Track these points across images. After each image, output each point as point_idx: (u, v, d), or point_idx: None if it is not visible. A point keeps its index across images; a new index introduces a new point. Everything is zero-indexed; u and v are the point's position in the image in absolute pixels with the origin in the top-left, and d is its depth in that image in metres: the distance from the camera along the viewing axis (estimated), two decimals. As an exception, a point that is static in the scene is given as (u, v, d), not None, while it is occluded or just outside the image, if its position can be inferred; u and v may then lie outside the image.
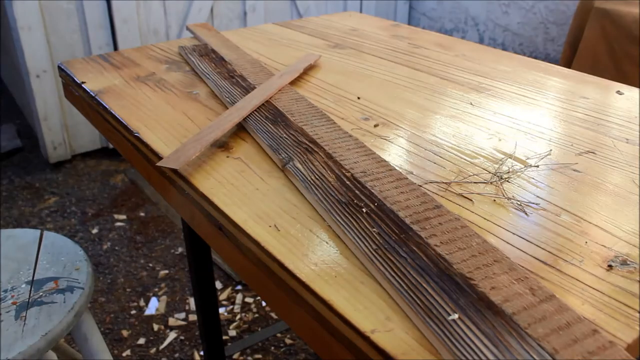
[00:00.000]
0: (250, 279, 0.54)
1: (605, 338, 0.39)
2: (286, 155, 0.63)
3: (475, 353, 0.37)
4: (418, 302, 0.42)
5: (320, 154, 0.62)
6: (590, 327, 0.39)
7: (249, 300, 1.67)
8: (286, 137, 0.67)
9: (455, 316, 0.40)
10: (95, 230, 1.99)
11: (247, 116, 0.72)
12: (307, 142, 0.65)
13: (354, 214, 0.52)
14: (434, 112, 0.78)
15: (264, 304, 1.65)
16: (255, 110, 0.74)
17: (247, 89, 0.81)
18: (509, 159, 0.65)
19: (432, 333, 0.39)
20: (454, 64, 0.99)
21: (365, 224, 0.50)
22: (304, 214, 0.54)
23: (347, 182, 0.57)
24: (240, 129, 0.72)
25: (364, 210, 0.52)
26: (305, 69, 0.92)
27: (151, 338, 1.53)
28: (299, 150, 0.63)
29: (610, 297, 0.44)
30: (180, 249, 1.88)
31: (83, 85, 0.87)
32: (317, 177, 0.58)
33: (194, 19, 2.47)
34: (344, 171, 0.59)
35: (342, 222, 0.51)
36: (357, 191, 0.55)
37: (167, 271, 1.78)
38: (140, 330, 1.56)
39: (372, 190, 0.55)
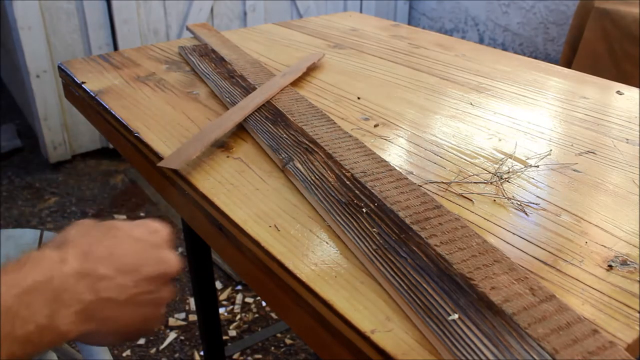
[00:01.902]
0: (250, 279, 0.54)
1: (605, 338, 0.39)
2: (286, 155, 0.63)
3: (475, 353, 0.37)
4: (418, 302, 0.42)
5: (320, 154, 0.62)
6: (590, 327, 0.39)
7: (249, 300, 1.67)
8: (286, 137, 0.67)
9: (455, 316, 0.40)
10: (95, 230, 1.98)
11: (248, 116, 0.72)
12: (307, 142, 0.65)
13: (354, 214, 0.52)
14: (434, 112, 0.78)
15: (264, 304, 1.65)
16: (255, 110, 0.74)
17: (247, 89, 0.81)
18: (509, 159, 0.65)
19: (432, 333, 0.39)
20: (454, 64, 0.99)
21: (365, 224, 0.50)
22: (304, 214, 0.54)
23: (347, 182, 0.57)
24: (240, 129, 0.72)
25: (364, 210, 0.52)
26: (308, 68, 0.92)
27: (151, 338, 1.53)
28: (299, 150, 0.63)
29: (610, 297, 0.44)
30: (180, 249, 1.88)
31: (83, 86, 0.87)
32: (317, 177, 0.58)
33: (194, 19, 2.46)
34: (344, 171, 0.59)
35: (342, 222, 0.51)
36: (357, 191, 0.55)
37: (167, 271, 1.78)
38: (140, 330, 1.56)
39: (372, 190, 0.55)
